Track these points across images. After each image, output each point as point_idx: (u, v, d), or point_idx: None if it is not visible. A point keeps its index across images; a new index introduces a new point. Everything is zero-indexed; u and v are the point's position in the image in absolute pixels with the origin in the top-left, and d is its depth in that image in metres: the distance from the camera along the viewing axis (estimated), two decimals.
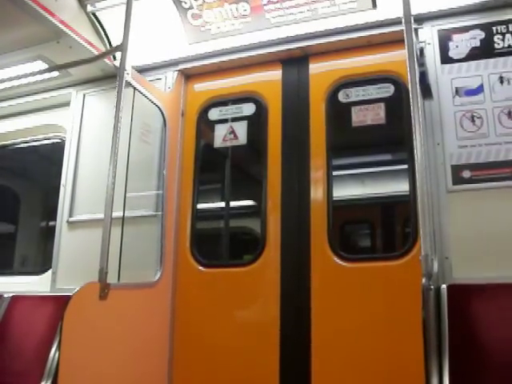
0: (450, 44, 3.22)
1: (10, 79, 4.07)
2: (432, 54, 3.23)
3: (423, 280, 2.25)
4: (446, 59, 3.21)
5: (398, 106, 3.37)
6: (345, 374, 3.10)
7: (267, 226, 3.53)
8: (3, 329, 3.66)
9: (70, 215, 4.01)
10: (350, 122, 3.49)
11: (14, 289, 3.99)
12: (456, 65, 3.18)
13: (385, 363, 3.00)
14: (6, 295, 3.86)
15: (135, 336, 3.19)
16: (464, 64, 3.16)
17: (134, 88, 3.36)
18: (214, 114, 3.99)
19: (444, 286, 2.75)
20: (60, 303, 3.28)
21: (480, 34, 3.17)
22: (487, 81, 3.07)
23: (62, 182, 4.14)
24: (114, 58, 3.90)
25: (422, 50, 3.12)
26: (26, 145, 4.93)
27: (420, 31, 3.29)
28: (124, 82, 3.07)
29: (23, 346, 3.48)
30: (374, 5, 3.34)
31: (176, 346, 3.57)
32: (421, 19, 3.28)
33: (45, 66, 3.90)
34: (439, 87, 3.16)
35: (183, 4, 3.61)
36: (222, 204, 4.66)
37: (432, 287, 2.32)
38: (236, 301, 3.52)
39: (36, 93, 4.49)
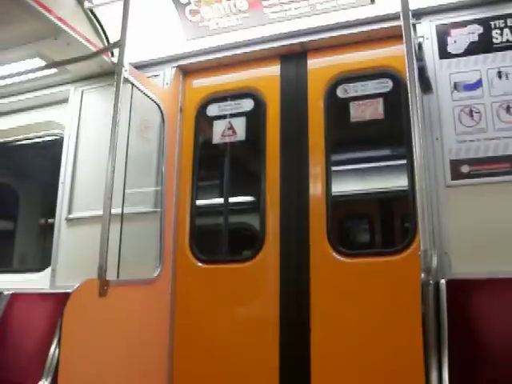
0: (449, 39, 3.21)
1: (7, 76, 4.06)
2: (430, 49, 3.22)
3: (422, 275, 2.25)
4: (444, 54, 3.20)
5: (396, 101, 3.36)
6: (344, 369, 3.11)
7: (266, 222, 3.53)
8: (3, 326, 3.66)
9: (69, 212, 4.01)
10: (348, 117, 3.49)
11: (14, 286, 3.99)
12: (454, 60, 3.17)
13: (384, 358, 3.01)
14: (5, 292, 3.86)
15: (135, 332, 3.20)
16: (462, 59, 3.15)
17: (132, 84, 3.36)
18: (212, 109, 3.99)
19: (443, 281, 2.75)
20: (60, 300, 3.28)
21: (478, 29, 3.16)
22: (486, 75, 3.06)
23: (61, 179, 4.13)
24: (112, 54, 3.91)
25: (420, 45, 3.12)
26: (24, 142, 4.91)
27: (418, 26, 3.28)
28: (122, 78, 3.07)
29: (23, 343, 3.48)
30: (372, 0, 3.34)
31: (176, 342, 3.58)
32: (419, 14, 3.27)
33: (43, 62, 3.89)
34: (438, 82, 3.16)
35: (181, 0, 3.60)
36: (221, 200, 4.65)
37: (431, 282, 2.32)
38: (235, 296, 3.52)
39: (34, 90, 4.47)
